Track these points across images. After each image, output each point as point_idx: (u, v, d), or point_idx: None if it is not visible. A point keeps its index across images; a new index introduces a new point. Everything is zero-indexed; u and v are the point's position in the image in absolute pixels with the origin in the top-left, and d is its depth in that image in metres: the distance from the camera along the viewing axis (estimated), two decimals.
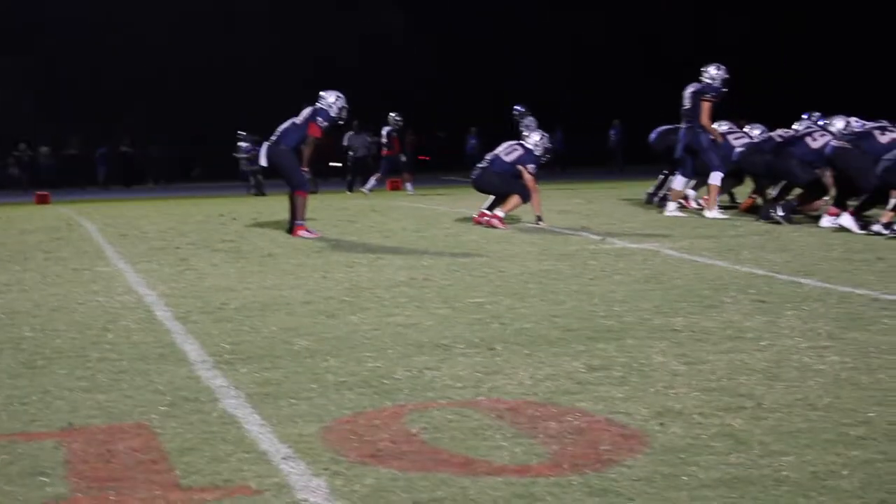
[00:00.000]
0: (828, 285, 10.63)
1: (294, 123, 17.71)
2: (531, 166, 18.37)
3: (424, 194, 30.09)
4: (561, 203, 22.54)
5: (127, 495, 4.99)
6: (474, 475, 5.13)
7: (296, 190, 17.53)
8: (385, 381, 7.08)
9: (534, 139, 18.82)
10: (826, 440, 5.52)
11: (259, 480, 5.13)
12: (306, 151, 17.61)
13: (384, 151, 32.66)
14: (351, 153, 35.21)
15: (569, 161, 47.81)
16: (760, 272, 11.67)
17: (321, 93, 18.05)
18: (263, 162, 17.88)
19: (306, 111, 17.81)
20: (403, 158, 33.07)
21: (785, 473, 5.03)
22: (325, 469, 5.27)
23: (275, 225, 18.92)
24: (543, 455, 5.43)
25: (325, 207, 23.56)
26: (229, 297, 10.83)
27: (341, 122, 18.73)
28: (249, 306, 10.27)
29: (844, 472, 5.02)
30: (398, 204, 25.74)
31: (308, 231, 17.18)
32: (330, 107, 17.82)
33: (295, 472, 5.25)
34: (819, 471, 5.05)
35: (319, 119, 17.60)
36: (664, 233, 16.26)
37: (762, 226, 16.95)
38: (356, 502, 4.83)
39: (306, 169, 17.84)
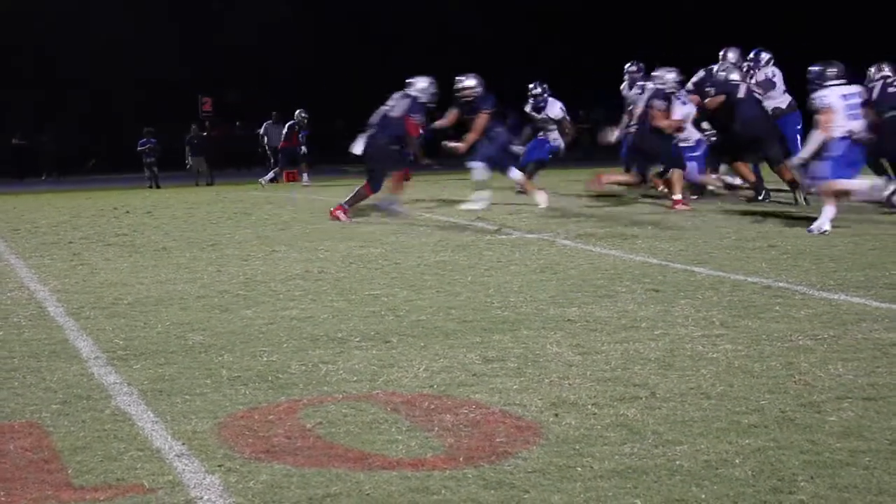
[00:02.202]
0: (721, 273, 10.74)
1: (388, 116, 17.56)
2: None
3: (321, 185, 29.98)
4: (456, 193, 22.56)
5: (18, 495, 4.92)
6: (369, 470, 5.12)
7: (366, 186, 17.67)
8: (280, 376, 7.05)
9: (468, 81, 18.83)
10: (719, 429, 5.57)
11: (152, 479, 5.08)
12: (414, 150, 18.16)
13: (282, 143, 32.59)
14: (267, 142, 35.24)
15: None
16: (654, 261, 11.77)
17: (410, 80, 17.86)
18: (358, 151, 17.70)
19: (402, 103, 17.65)
20: (303, 151, 32.92)
21: (678, 463, 5.06)
22: (219, 466, 5.23)
23: (169, 218, 18.78)
24: (439, 448, 5.43)
25: (220, 200, 23.41)
26: (123, 292, 10.73)
27: (431, 107, 18.48)
28: (143, 301, 10.18)
29: (737, 461, 5.06)
30: (294, 195, 25.62)
31: (346, 216, 17.33)
32: (421, 93, 17.67)
33: (189, 469, 5.20)
34: (712, 459, 5.09)
35: (417, 116, 17.47)
36: (559, 223, 16.33)
37: (656, 215, 17.08)
38: (250, 499, 4.80)
39: (428, 161, 18.28)
